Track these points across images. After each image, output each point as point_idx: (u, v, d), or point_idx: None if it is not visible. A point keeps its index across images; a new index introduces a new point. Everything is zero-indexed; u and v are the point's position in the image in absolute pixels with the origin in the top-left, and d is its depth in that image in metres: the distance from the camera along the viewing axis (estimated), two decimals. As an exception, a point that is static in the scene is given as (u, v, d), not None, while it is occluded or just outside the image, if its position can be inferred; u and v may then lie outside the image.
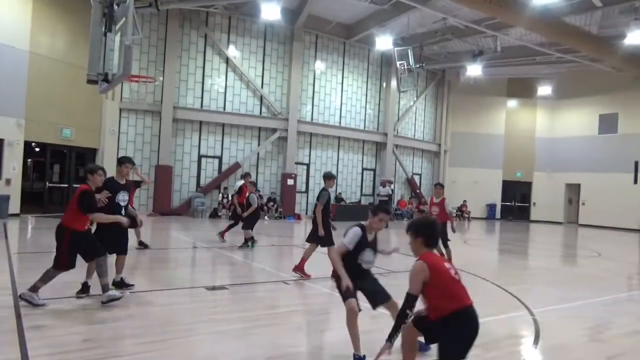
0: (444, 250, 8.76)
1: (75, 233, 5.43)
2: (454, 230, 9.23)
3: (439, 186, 9.97)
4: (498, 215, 27.74)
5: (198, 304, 5.98)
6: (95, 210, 5.57)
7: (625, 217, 23.72)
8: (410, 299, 3.23)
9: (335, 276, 4.18)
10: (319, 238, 7.76)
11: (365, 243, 4.24)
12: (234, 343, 4.59)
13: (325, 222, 7.82)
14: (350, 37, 22.45)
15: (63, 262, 5.37)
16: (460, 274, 3.39)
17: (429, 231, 3.49)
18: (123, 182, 6.35)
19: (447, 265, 3.38)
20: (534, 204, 28.21)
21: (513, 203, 28.55)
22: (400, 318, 3.29)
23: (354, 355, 4.06)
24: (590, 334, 5.47)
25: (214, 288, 6.72)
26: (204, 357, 4.17)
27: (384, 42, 20.32)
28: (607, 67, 22.27)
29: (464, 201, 26.29)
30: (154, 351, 4.18)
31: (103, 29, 8.21)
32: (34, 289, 5.30)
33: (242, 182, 11.87)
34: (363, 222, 4.36)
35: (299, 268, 7.81)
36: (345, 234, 4.25)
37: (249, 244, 10.71)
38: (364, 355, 4.05)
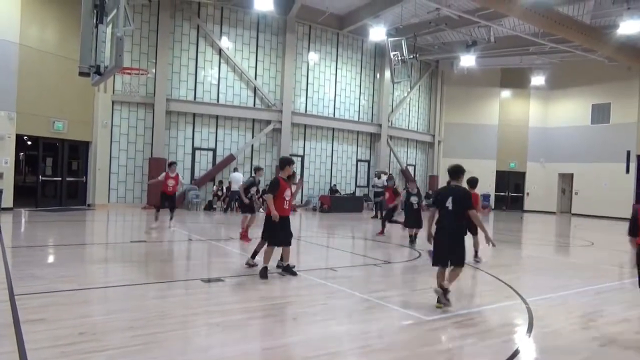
0: None
1: None
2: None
3: (173, 165, 12.19)
4: (492, 205, 27.89)
5: (194, 296, 5.98)
6: None
7: (617, 207, 23.91)
8: None
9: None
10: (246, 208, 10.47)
11: None
12: (230, 334, 4.61)
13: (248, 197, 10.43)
14: (343, 28, 22.35)
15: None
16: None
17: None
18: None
19: None
20: (528, 194, 28.38)
21: (507, 193, 28.70)
22: None
23: None
24: (583, 321, 5.54)
25: (209, 280, 6.73)
26: (200, 349, 4.19)
27: (377, 32, 20.27)
28: (600, 57, 22.34)
29: (458, 192, 26.36)
30: (149, 343, 4.19)
31: (94, 20, 8.14)
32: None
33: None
34: None
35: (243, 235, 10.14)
36: None
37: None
38: None
